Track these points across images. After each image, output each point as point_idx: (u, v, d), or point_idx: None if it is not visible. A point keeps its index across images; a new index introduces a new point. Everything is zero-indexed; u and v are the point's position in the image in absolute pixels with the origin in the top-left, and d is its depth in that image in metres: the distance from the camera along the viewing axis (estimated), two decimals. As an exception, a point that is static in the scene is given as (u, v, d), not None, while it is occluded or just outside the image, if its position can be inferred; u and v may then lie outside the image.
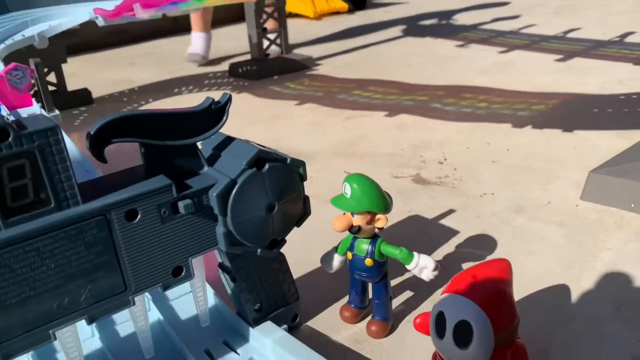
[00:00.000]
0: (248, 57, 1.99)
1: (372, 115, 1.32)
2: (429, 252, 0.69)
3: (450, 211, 0.79)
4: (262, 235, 0.48)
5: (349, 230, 0.51)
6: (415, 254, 0.51)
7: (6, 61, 1.28)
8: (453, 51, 1.99)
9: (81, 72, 2.17)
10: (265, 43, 1.91)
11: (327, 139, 1.17)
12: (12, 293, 0.37)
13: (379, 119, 1.28)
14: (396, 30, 2.53)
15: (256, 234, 0.47)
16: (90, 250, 0.40)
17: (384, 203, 0.50)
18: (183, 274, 0.46)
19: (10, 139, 0.35)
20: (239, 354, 0.52)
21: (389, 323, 0.55)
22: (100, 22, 1.39)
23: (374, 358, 0.52)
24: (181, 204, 0.43)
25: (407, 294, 0.61)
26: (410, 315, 0.58)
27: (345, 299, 0.59)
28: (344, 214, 0.51)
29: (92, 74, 2.16)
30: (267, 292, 0.54)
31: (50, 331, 0.40)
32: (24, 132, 0.36)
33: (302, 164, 0.49)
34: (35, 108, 1.10)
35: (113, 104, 1.68)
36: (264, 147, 0.48)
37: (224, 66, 2.06)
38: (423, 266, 0.51)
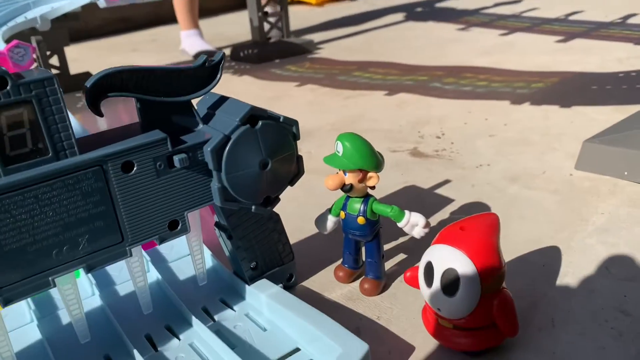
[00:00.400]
0: (241, 40, 1.99)
1: (372, 94, 1.32)
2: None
3: (446, 181, 0.80)
4: (256, 192, 0.49)
5: (341, 189, 0.52)
6: (406, 211, 0.52)
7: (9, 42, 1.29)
8: (454, 34, 1.99)
9: (84, 58, 2.19)
10: (267, 28, 1.91)
11: (327, 117, 1.18)
12: (12, 239, 0.39)
13: (379, 98, 1.28)
14: (398, 16, 2.53)
15: (250, 190, 0.48)
16: (87, 200, 0.41)
17: (376, 161, 0.51)
18: (179, 227, 0.47)
19: (8, 87, 0.37)
20: (235, 311, 0.54)
21: (381, 281, 0.56)
22: (102, 3, 1.40)
23: (367, 314, 0.53)
24: (176, 158, 0.44)
25: (401, 256, 0.62)
26: (403, 274, 0.59)
27: (340, 261, 0.60)
28: (337, 173, 0.52)
29: (95, 59, 2.18)
30: (262, 250, 0.55)
31: (50, 278, 0.41)
32: (21, 80, 0.37)
33: (294, 122, 0.50)
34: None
35: (115, 87, 1.69)
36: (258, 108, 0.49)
37: (226, 51, 2.07)
38: (414, 223, 0.52)
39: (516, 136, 0.96)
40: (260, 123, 0.48)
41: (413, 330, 0.50)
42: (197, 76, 0.47)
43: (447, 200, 0.74)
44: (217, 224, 0.54)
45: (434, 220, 0.70)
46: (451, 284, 0.43)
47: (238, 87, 1.54)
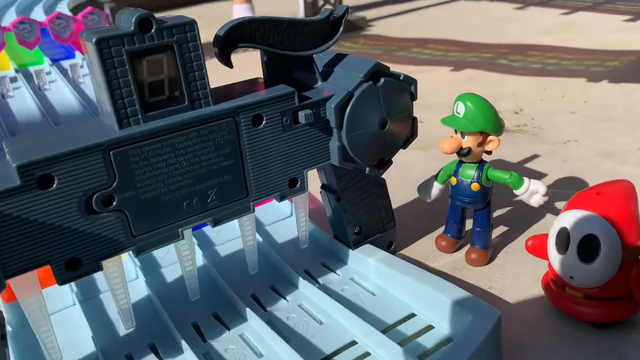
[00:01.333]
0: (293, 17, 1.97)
1: (436, 70, 1.29)
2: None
3: (535, 156, 0.77)
4: (373, 153, 0.48)
5: (458, 153, 0.50)
6: (525, 178, 0.50)
7: (75, 13, 1.30)
8: (511, 13, 1.93)
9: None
10: (319, 4, 1.89)
11: (392, 92, 1.15)
12: (148, 187, 0.38)
13: (445, 74, 1.25)
14: (449, -6, 2.46)
15: (367, 150, 0.47)
16: (218, 152, 0.40)
17: (498, 123, 0.49)
18: (298, 185, 0.46)
19: (152, 30, 0.36)
20: (338, 275, 0.53)
21: (489, 251, 0.54)
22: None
23: (477, 284, 0.52)
24: (302, 114, 0.43)
25: (502, 228, 0.60)
26: (508, 246, 0.57)
27: (439, 231, 0.59)
28: (452, 135, 0.51)
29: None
30: (367, 215, 0.54)
31: (179, 229, 0.40)
32: (164, 25, 0.36)
33: (414, 81, 0.49)
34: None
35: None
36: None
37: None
38: (533, 191, 0.50)
39: (599, 113, 0.92)
40: (382, 80, 0.46)
41: (530, 300, 0.48)
42: (319, 30, 0.45)
43: (540, 175, 0.72)
44: (325, 187, 0.53)
45: (529, 193, 0.67)
46: (590, 250, 0.41)
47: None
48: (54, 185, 0.34)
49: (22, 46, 0.96)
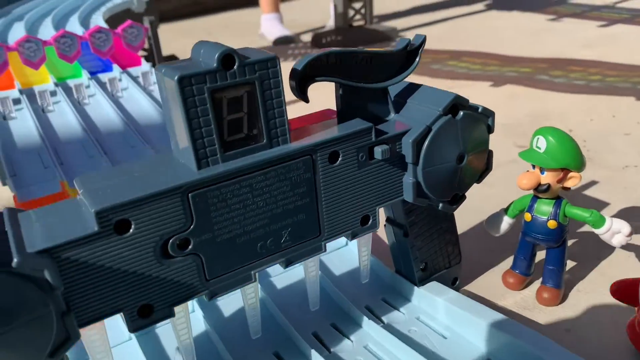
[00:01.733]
0: (318, 26, 1.95)
1: (475, 85, 1.26)
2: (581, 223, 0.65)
3: (593, 183, 0.74)
4: (447, 189, 0.45)
5: (536, 189, 0.48)
6: (606, 216, 0.47)
7: (109, 23, 1.30)
8: (545, 25, 1.89)
9: (161, 40, 2.20)
10: (350, 14, 1.87)
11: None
12: (225, 229, 0.36)
13: (485, 89, 1.22)
14: (479, 5, 2.43)
15: (443, 186, 0.45)
16: (294, 190, 0.38)
17: (581, 159, 0.46)
18: (370, 222, 0.43)
19: (235, 67, 0.34)
20: (403, 314, 0.50)
21: (562, 290, 0.51)
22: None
23: (551, 325, 0.49)
24: (378, 149, 0.41)
25: (570, 263, 0.57)
26: (580, 284, 0.54)
27: (503, 265, 0.56)
28: (530, 170, 0.48)
29: (172, 42, 2.18)
30: (434, 251, 0.52)
31: (252, 272, 0.38)
32: (247, 60, 0.34)
33: (491, 113, 0.46)
34: (146, 67, 1.11)
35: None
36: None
37: (304, 37, 2.04)
38: (616, 230, 0.47)
39: (655, 136, 0.88)
40: (461, 113, 0.44)
41: (613, 346, 0.45)
42: (395, 61, 0.43)
43: (602, 204, 0.68)
44: (390, 220, 0.51)
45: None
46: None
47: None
48: (131, 230, 0.33)
49: (62, 60, 0.95)
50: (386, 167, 0.43)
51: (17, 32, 1.23)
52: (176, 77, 0.32)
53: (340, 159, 0.40)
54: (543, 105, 1.07)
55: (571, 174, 0.47)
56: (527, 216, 0.50)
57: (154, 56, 1.07)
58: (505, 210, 0.53)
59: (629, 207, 0.67)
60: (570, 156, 0.46)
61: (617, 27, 1.73)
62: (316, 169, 0.39)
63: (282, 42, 1.96)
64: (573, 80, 1.22)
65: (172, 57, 1.73)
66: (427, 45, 1.75)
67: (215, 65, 0.33)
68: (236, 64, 0.34)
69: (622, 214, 0.66)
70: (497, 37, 1.76)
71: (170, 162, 0.36)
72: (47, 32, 1.24)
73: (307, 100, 0.39)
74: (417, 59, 0.44)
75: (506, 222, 0.53)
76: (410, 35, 1.93)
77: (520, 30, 1.84)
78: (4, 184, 0.91)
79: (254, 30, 2.17)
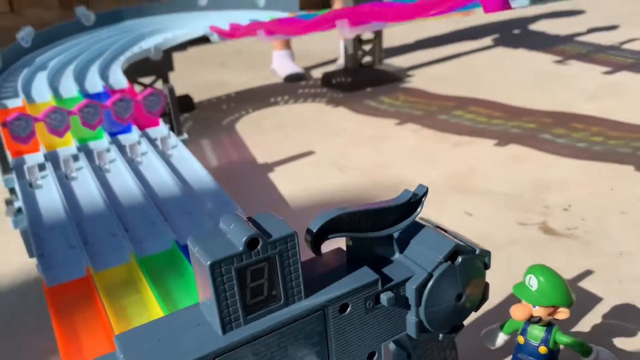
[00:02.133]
0: (329, 59, 2.00)
1: (480, 142, 1.30)
2: (574, 321, 0.69)
3: (588, 272, 0.78)
4: (448, 323, 0.50)
5: (528, 321, 0.52)
6: (593, 346, 0.51)
7: (126, 73, 1.35)
8: (552, 67, 1.93)
9: (174, 73, 2.25)
10: (359, 54, 1.92)
11: (437, 169, 1.17)
12: (244, 383, 0.40)
13: (489, 148, 1.26)
14: (487, 40, 2.47)
15: (443, 321, 0.49)
16: (307, 342, 0.43)
17: (569, 298, 0.51)
18: (375, 358, 0.48)
19: (258, 246, 0.38)
20: None
21: (552, 408, 0.55)
22: (215, 39, 1.44)
23: None
24: (384, 297, 0.45)
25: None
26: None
27: (500, 368, 0.60)
28: (523, 303, 0.52)
29: (186, 75, 2.23)
30: (434, 365, 0.56)
31: (267, 416, 0.43)
32: (269, 240, 0.39)
33: (488, 254, 0.50)
34: (163, 129, 1.16)
35: (213, 112, 1.74)
36: (445, 230, 0.50)
37: (314, 73, 2.09)
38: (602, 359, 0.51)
39: (651, 215, 0.92)
40: (459, 259, 0.48)
41: None
42: (400, 211, 0.47)
43: (595, 299, 0.72)
44: (396, 342, 0.55)
45: (586, 324, 0.68)
46: None
47: (337, 122, 1.55)
48: (163, 396, 0.37)
49: (85, 127, 1.00)
50: (391, 308, 0.47)
51: (40, 83, 1.29)
52: (208, 263, 0.37)
53: (349, 308, 0.44)
54: (546, 172, 1.11)
55: (560, 309, 0.51)
56: (520, 339, 0.54)
57: (173, 121, 1.12)
58: (501, 327, 0.57)
59: (622, 304, 0.71)
60: (559, 295, 0.50)
61: (621, 75, 1.76)
62: (327, 321, 0.43)
63: (293, 79, 2.01)
64: (575, 143, 1.26)
65: (186, 97, 1.78)
66: (434, 89, 1.80)
67: (241, 248, 0.38)
68: (260, 244, 0.38)
69: (616, 313, 0.70)
70: (505, 82, 1.80)
71: (200, 322, 0.41)
72: (68, 84, 1.30)
73: (319, 254, 0.44)
74: (420, 208, 0.48)
75: (502, 337, 0.57)
76: (418, 75, 1.97)
77: (527, 73, 1.87)
78: (31, 256, 0.96)
79: (266, 62, 2.22)
